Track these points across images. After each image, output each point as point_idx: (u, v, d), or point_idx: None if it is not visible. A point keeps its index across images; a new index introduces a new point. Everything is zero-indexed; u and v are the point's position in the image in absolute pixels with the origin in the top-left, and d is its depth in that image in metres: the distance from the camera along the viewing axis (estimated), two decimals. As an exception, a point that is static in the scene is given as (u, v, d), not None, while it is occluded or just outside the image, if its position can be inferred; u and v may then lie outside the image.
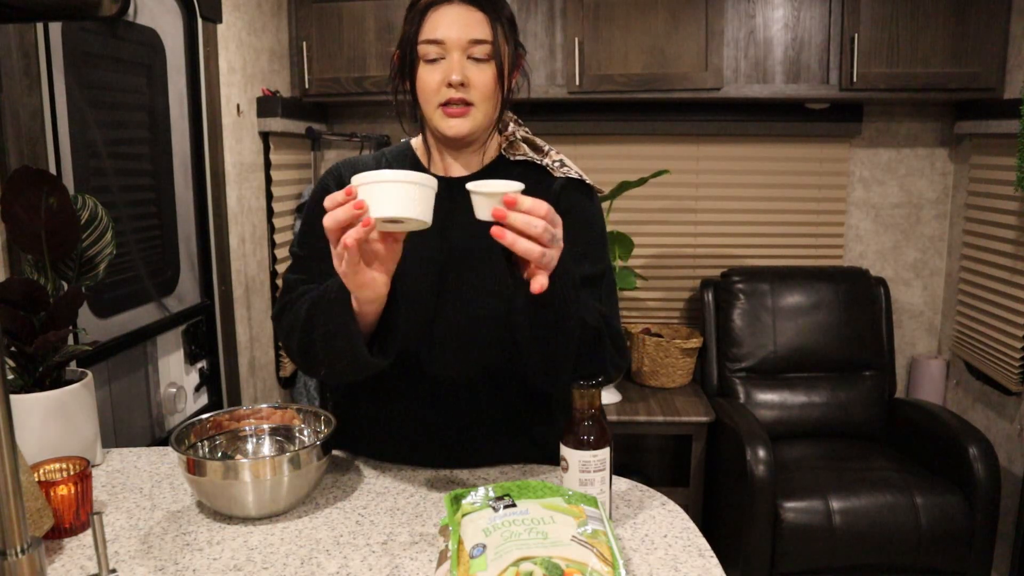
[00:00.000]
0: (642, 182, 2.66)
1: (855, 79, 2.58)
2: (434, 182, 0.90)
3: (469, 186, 0.89)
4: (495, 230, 0.87)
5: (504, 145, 1.21)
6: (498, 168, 1.21)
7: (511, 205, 0.87)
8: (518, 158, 1.20)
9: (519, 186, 0.88)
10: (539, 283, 0.89)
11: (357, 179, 0.87)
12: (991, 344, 2.62)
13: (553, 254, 0.89)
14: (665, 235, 3.10)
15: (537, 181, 1.18)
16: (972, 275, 2.78)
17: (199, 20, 2.12)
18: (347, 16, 2.71)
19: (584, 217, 1.18)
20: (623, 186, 2.64)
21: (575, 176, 1.19)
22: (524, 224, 0.86)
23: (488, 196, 0.88)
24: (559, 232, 0.90)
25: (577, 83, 2.65)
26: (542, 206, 0.88)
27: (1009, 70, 2.56)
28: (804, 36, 2.63)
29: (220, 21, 2.24)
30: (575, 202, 1.18)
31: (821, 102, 2.87)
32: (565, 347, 1.01)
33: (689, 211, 3.08)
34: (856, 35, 2.57)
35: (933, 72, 2.58)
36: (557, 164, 1.20)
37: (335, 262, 0.92)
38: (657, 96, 2.69)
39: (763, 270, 2.91)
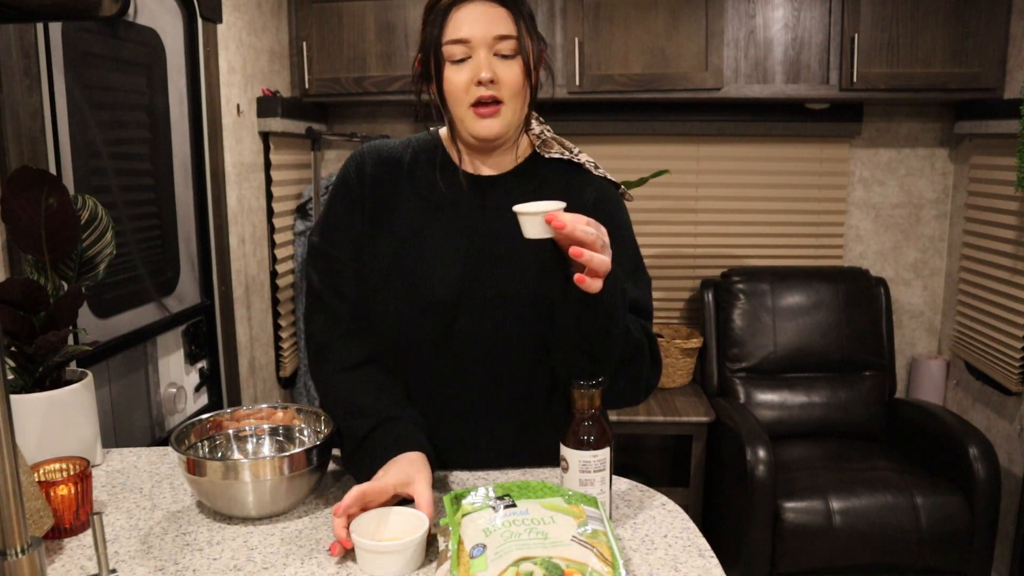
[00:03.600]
0: (642, 182, 2.66)
1: (855, 79, 2.58)
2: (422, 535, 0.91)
3: (516, 208, 0.93)
4: (559, 219, 0.90)
5: (537, 143, 1.20)
6: (531, 167, 1.19)
7: (550, 221, 0.90)
8: (553, 156, 1.18)
9: (561, 204, 0.92)
10: (592, 285, 0.93)
11: (356, 538, 0.90)
12: (991, 344, 2.62)
13: (603, 257, 0.93)
14: (665, 235, 3.10)
15: (568, 183, 1.17)
16: (972, 275, 2.78)
17: (199, 20, 2.12)
18: (347, 16, 2.71)
19: (621, 235, 1.17)
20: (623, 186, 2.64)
21: (612, 179, 1.20)
22: (582, 232, 0.91)
23: (534, 215, 0.92)
24: (605, 235, 0.94)
25: (577, 83, 2.65)
26: (581, 217, 0.92)
27: (1009, 70, 2.56)
28: (804, 36, 2.63)
29: (220, 21, 2.24)
30: (610, 216, 1.16)
31: (821, 102, 2.87)
32: (608, 352, 1.03)
33: (689, 211, 3.08)
34: (856, 35, 2.57)
35: (933, 72, 2.58)
36: (592, 165, 1.20)
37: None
38: (657, 96, 2.69)
39: (763, 270, 2.90)
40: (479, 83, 1.06)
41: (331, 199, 1.20)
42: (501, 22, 1.06)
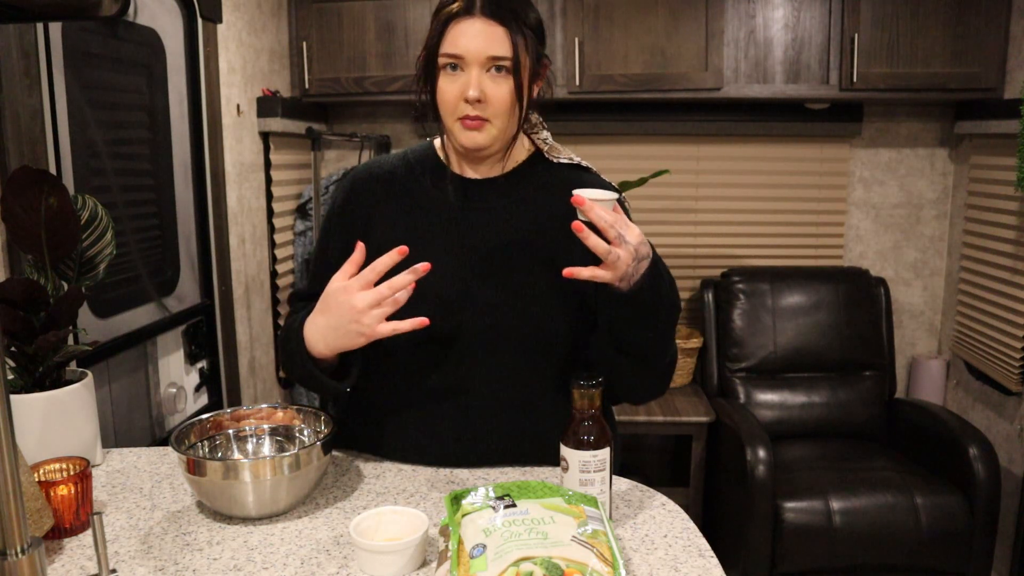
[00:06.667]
0: (642, 182, 2.66)
1: (855, 79, 2.58)
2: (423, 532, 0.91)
3: (576, 192, 0.98)
4: (578, 197, 0.96)
5: (545, 148, 1.22)
6: (530, 170, 1.21)
7: (579, 204, 0.96)
8: (562, 160, 1.21)
9: (613, 195, 0.98)
10: (569, 271, 0.97)
11: (356, 538, 0.90)
12: (991, 344, 2.62)
13: (619, 252, 0.96)
14: (665, 235, 3.10)
15: (571, 187, 1.18)
16: (972, 275, 2.78)
17: (199, 20, 2.12)
18: (347, 16, 2.71)
19: None
20: (623, 186, 2.64)
21: (615, 186, 1.22)
22: (614, 234, 0.97)
23: (593, 201, 0.97)
24: (627, 234, 0.97)
25: (577, 83, 2.65)
26: (612, 215, 0.97)
27: (1009, 70, 2.56)
28: (804, 36, 2.63)
29: (220, 21, 2.24)
30: None
31: (821, 102, 2.87)
32: (654, 351, 1.11)
33: (689, 211, 3.08)
34: (856, 35, 2.57)
35: (933, 72, 2.58)
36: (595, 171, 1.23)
37: (373, 310, 1.01)
38: (657, 96, 2.69)
39: (763, 270, 2.90)
40: (466, 100, 1.09)
41: (324, 222, 1.27)
42: (497, 42, 1.07)
